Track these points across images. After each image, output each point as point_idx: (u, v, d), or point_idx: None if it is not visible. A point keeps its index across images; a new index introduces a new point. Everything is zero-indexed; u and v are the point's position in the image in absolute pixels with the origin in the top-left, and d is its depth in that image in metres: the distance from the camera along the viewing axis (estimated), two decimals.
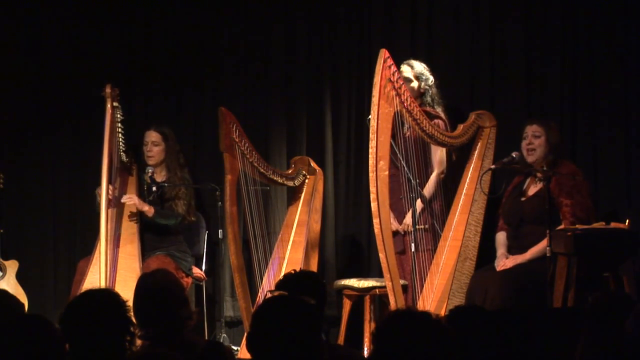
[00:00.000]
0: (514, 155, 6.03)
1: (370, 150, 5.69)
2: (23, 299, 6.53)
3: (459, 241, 6.18)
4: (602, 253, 5.63)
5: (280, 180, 6.43)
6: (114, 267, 6.35)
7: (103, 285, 6.11)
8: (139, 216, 6.56)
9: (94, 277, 6.25)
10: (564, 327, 4.49)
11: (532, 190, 6.12)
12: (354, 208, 7.04)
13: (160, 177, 6.69)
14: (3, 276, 6.84)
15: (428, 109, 6.34)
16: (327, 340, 5.97)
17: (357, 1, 7.05)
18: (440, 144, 6.17)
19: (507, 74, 6.77)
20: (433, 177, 6.37)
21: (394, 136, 5.90)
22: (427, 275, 6.08)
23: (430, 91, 6.42)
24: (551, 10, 6.69)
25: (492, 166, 6.13)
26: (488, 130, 6.39)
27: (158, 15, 7.24)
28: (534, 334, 4.40)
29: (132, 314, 3.55)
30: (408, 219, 6.22)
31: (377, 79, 5.70)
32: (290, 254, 6.45)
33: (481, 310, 3.58)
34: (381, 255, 5.68)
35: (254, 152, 6.15)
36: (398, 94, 5.75)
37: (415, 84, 6.40)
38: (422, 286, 6.02)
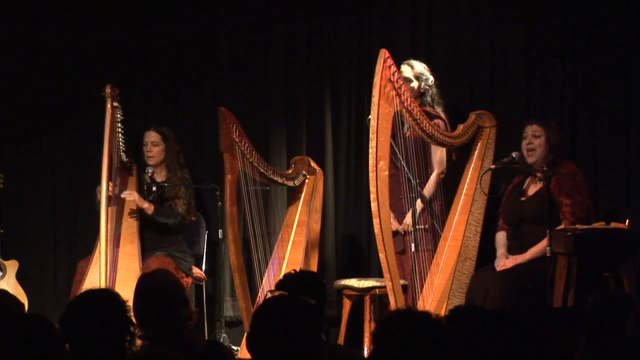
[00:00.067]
0: (514, 155, 6.03)
1: (370, 150, 5.69)
2: (23, 299, 6.53)
3: (459, 241, 6.18)
4: (602, 253, 5.63)
5: (280, 180, 6.43)
6: (114, 267, 6.35)
7: (103, 285, 6.11)
8: (139, 213, 6.56)
9: (94, 277, 6.25)
10: (564, 327, 4.49)
11: (532, 190, 6.12)
12: (354, 208, 7.04)
13: (160, 177, 6.69)
14: (3, 276, 6.84)
15: (428, 109, 6.34)
16: (327, 340, 5.98)
17: (357, 1, 7.05)
18: (440, 144, 6.17)
19: (507, 74, 6.78)
20: (433, 177, 6.37)
21: (394, 136, 5.90)
22: (427, 275, 6.08)
23: (430, 91, 6.42)
24: (551, 10, 6.69)
25: (492, 166, 6.13)
26: (488, 130, 6.39)
27: (158, 15, 7.23)
28: (534, 334, 4.40)
29: (132, 314, 3.55)
30: (408, 219, 6.22)
31: (377, 79, 5.70)
32: (290, 254, 6.45)
33: (481, 310, 3.58)
34: (381, 255, 5.68)
35: (254, 152, 6.15)
36: (398, 94, 5.75)
37: (415, 84, 6.40)
38: (422, 286, 6.02)
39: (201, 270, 6.82)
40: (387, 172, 5.70)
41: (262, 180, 6.30)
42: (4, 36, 7.19)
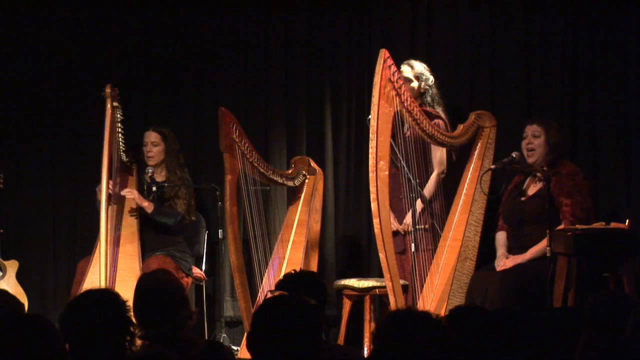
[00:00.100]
0: (514, 155, 6.03)
1: (370, 150, 5.69)
2: (23, 299, 6.53)
3: (459, 241, 6.18)
4: (602, 253, 5.63)
5: (280, 180, 6.43)
6: (114, 267, 6.35)
7: (103, 285, 6.11)
8: (138, 212, 6.56)
9: (94, 277, 6.25)
10: (564, 327, 4.49)
11: (532, 190, 6.12)
12: (354, 208, 7.04)
13: (160, 177, 6.69)
14: (3, 276, 6.84)
15: (428, 109, 6.35)
16: (327, 340, 5.98)
17: (357, 1, 7.05)
18: (440, 144, 6.17)
19: (507, 74, 6.78)
20: (433, 177, 6.37)
21: (394, 136, 5.90)
22: (427, 275, 6.08)
23: (431, 91, 6.42)
24: (551, 10, 6.69)
25: (492, 166, 6.13)
26: (488, 130, 6.38)
27: (158, 15, 7.23)
28: (534, 334, 4.40)
29: (132, 314, 3.55)
30: (408, 219, 6.23)
31: (377, 79, 5.70)
32: (290, 254, 6.45)
33: (481, 310, 3.58)
34: (381, 255, 5.68)
35: (254, 152, 6.15)
36: (398, 94, 5.75)
37: (415, 84, 6.40)
38: (422, 286, 6.02)
39: (201, 270, 6.82)
40: (387, 172, 5.70)
41: (262, 180, 6.30)
42: (3, 36, 7.19)
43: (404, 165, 6.03)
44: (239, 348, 6.26)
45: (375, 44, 6.78)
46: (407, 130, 6.20)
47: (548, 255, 5.67)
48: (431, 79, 6.43)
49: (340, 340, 6.32)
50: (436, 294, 6.04)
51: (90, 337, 3.38)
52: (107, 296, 3.53)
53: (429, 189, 6.32)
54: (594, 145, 6.60)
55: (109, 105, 6.40)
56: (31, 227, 7.23)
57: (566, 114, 6.66)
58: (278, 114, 7.12)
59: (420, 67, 6.44)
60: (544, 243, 5.78)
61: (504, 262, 6.02)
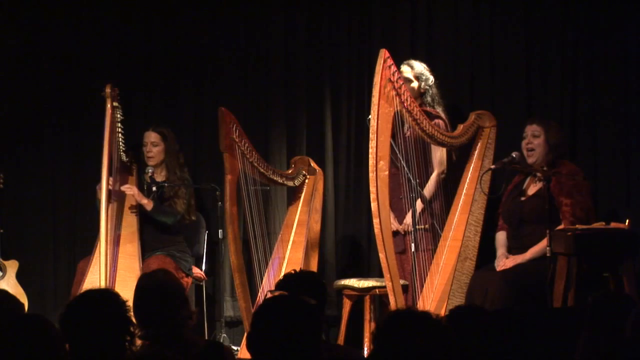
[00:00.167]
0: (514, 155, 6.03)
1: (370, 150, 5.69)
2: (23, 299, 6.53)
3: (459, 241, 6.18)
4: (602, 253, 5.63)
5: (280, 180, 6.43)
6: (114, 267, 6.35)
7: (103, 285, 6.11)
8: (138, 210, 6.56)
9: (94, 277, 6.25)
10: (564, 327, 4.49)
11: (532, 190, 6.12)
12: (354, 208, 7.04)
13: (160, 177, 6.69)
14: (3, 276, 6.84)
15: (428, 109, 6.34)
16: (327, 340, 5.98)
17: (357, 1, 7.05)
18: (440, 144, 6.17)
19: (507, 74, 6.78)
20: (433, 177, 6.37)
21: (394, 136, 5.90)
22: (427, 275, 6.08)
23: (431, 91, 6.42)
24: (551, 10, 6.69)
25: (492, 166, 6.13)
26: (488, 130, 6.38)
27: (158, 15, 7.23)
28: (534, 334, 4.40)
29: (132, 314, 3.55)
30: (408, 219, 6.23)
31: (377, 79, 5.70)
32: (290, 254, 6.45)
33: (481, 310, 3.58)
34: (381, 255, 5.68)
35: (254, 152, 6.15)
36: (398, 94, 5.75)
37: (415, 84, 6.40)
38: (422, 286, 6.02)
39: (201, 270, 6.82)
40: (387, 172, 5.70)
41: (262, 180, 6.30)
42: (4, 36, 7.19)
43: (404, 165, 6.03)
44: (239, 348, 6.26)
45: (375, 44, 6.78)
46: (407, 130, 6.20)
47: (548, 255, 5.66)
48: (431, 78, 6.43)
49: (340, 340, 6.32)
50: (436, 294, 6.03)
51: (90, 337, 3.38)
52: (107, 296, 3.53)
53: (429, 189, 6.32)
54: (594, 145, 6.60)
55: (109, 105, 6.40)
56: (31, 227, 7.23)
57: (566, 114, 6.66)
58: (278, 114, 7.12)
59: (420, 67, 6.44)
60: (544, 243, 5.78)
61: (504, 262, 6.02)
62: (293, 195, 6.69)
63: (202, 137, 7.16)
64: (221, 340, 6.44)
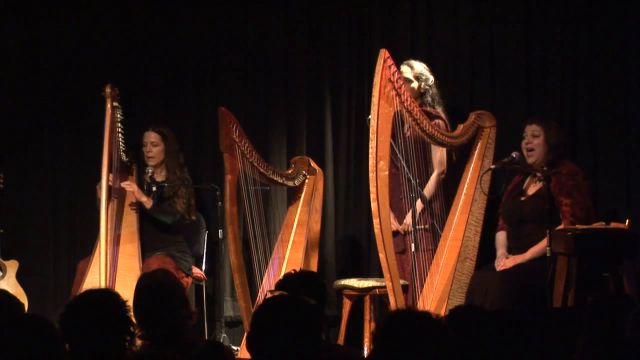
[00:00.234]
0: (514, 155, 6.03)
1: (370, 150, 5.69)
2: (23, 299, 6.53)
3: (459, 241, 6.18)
4: (602, 253, 5.63)
5: (280, 180, 6.43)
6: (114, 267, 6.35)
7: (103, 285, 6.11)
8: (138, 208, 6.56)
9: (94, 277, 6.25)
10: (564, 327, 4.49)
11: (532, 190, 6.12)
12: (354, 208, 7.04)
13: (160, 177, 6.69)
14: (3, 276, 6.84)
15: (428, 109, 6.34)
16: (327, 340, 5.98)
17: (358, 1, 7.05)
18: (440, 144, 6.17)
19: (507, 74, 6.78)
20: (433, 177, 6.37)
21: (394, 136, 5.90)
22: (427, 275, 6.08)
23: (431, 91, 6.42)
24: (551, 10, 6.69)
25: (492, 166, 6.13)
26: (488, 130, 6.38)
27: (158, 15, 7.23)
28: (534, 334, 4.40)
29: (132, 314, 3.55)
30: (408, 219, 6.22)
31: (377, 79, 5.70)
32: (290, 254, 6.45)
33: (481, 310, 3.58)
34: (381, 255, 5.68)
35: (254, 152, 6.15)
36: (398, 94, 5.75)
37: (415, 84, 6.40)
38: (422, 286, 6.02)
39: (201, 270, 6.82)
40: (387, 172, 5.70)
41: (262, 180, 6.30)
42: (3, 36, 7.19)
43: (404, 165, 6.03)
44: (239, 348, 6.26)
45: (375, 44, 6.78)
46: (407, 130, 6.20)
47: (548, 255, 5.66)
48: (431, 78, 6.43)
49: (340, 340, 6.32)
50: (436, 294, 6.03)
51: (90, 337, 3.38)
52: (107, 296, 3.53)
53: (429, 189, 6.32)
54: (594, 145, 6.60)
55: (109, 105, 6.40)
56: (31, 227, 7.23)
57: (566, 114, 6.66)
58: (278, 114, 7.12)
59: (419, 67, 6.43)
60: (544, 243, 5.78)
61: (504, 262, 6.02)
62: (293, 195, 6.69)
63: (202, 137, 7.16)
64: (221, 340, 6.44)
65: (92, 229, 6.56)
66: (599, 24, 6.58)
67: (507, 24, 6.76)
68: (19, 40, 7.21)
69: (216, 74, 7.20)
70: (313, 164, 6.63)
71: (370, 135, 5.70)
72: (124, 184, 6.50)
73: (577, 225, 5.70)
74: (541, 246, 5.85)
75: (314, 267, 6.51)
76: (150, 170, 6.62)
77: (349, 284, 6.36)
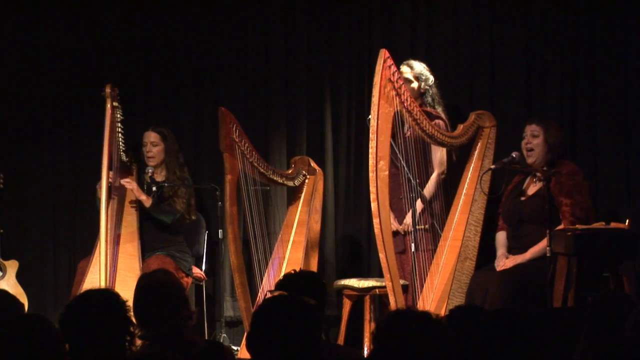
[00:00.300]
0: (514, 155, 6.03)
1: (370, 150, 5.69)
2: (23, 299, 6.53)
3: (459, 241, 6.18)
4: (602, 253, 5.63)
5: (280, 180, 6.43)
6: (114, 267, 6.35)
7: (103, 285, 6.11)
8: (138, 206, 6.56)
9: (94, 277, 6.25)
10: (564, 327, 4.49)
11: (532, 190, 6.12)
12: (354, 208, 7.04)
13: (160, 177, 6.69)
14: (3, 276, 6.84)
15: (428, 109, 6.34)
16: (327, 340, 5.98)
17: (357, 1, 7.05)
18: (440, 144, 6.17)
19: (507, 74, 6.78)
20: (433, 177, 6.37)
21: (394, 136, 5.90)
22: (427, 275, 6.08)
23: (431, 91, 6.42)
24: (551, 10, 6.70)
25: (492, 166, 6.13)
26: (488, 130, 6.38)
27: (158, 15, 7.23)
28: (534, 334, 4.40)
29: (132, 314, 3.55)
30: (408, 219, 6.22)
31: (377, 79, 5.70)
32: (290, 254, 6.45)
33: (481, 310, 3.58)
34: (381, 255, 5.68)
35: (254, 152, 6.15)
36: (398, 94, 5.76)
37: (415, 84, 6.40)
38: (422, 286, 6.02)
39: (201, 270, 6.82)
40: (387, 172, 5.70)
41: (262, 180, 6.30)
42: (3, 36, 7.19)
43: (404, 165, 6.03)
44: (239, 348, 6.26)
45: (375, 44, 6.78)
46: (407, 130, 6.20)
47: (548, 255, 5.66)
48: (431, 78, 6.43)
49: (340, 340, 6.32)
50: (436, 294, 6.03)
51: (90, 337, 3.38)
52: (107, 296, 3.53)
53: (429, 189, 6.32)
54: (593, 145, 6.60)
55: (109, 105, 6.41)
56: (31, 227, 7.23)
57: (566, 114, 6.66)
58: (278, 114, 7.12)
59: (419, 67, 6.43)
60: (544, 243, 5.78)
61: (504, 262, 6.02)
62: (293, 195, 6.69)
63: (202, 137, 7.15)
64: (221, 340, 6.44)
65: (92, 229, 6.55)
66: (599, 24, 6.58)
67: (507, 24, 6.76)
68: (19, 40, 7.20)
69: (216, 74, 7.20)
70: (313, 164, 6.63)
71: (370, 135, 5.70)
72: (123, 181, 6.50)
73: (577, 225, 5.70)
74: (541, 246, 5.85)
75: (314, 267, 6.51)
76: (150, 170, 6.62)
77: (349, 284, 6.36)
